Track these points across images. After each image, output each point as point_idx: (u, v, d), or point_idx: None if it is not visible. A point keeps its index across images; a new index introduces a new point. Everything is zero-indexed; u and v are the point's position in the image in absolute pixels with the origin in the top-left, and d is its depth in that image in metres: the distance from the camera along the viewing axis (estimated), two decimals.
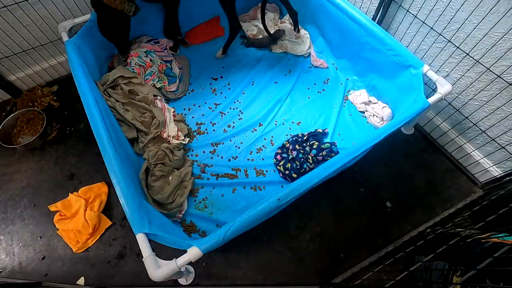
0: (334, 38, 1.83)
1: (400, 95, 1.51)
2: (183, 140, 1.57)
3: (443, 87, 1.29)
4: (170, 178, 1.40)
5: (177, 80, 1.79)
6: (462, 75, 1.37)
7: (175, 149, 1.50)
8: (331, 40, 1.86)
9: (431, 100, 1.27)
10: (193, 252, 0.92)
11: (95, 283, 1.31)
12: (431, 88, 1.46)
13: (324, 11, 1.75)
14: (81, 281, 1.31)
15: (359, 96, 1.72)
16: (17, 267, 1.35)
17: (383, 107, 1.63)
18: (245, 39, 1.97)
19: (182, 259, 0.92)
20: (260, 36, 2.02)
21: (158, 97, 1.67)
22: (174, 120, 1.62)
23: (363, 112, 1.71)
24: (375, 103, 1.68)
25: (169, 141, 1.54)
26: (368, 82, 1.73)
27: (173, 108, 1.69)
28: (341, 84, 1.82)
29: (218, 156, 1.57)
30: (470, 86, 1.36)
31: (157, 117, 1.55)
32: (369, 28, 1.49)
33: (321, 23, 1.86)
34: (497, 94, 1.27)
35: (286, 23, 2.00)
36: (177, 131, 1.57)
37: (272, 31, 2.00)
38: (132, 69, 1.70)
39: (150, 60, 1.76)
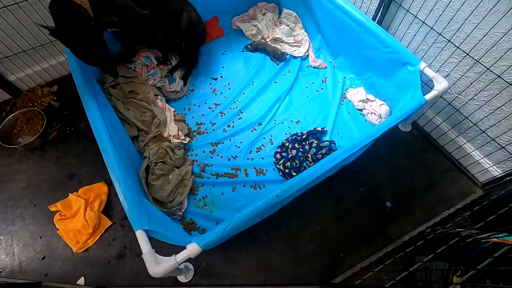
0: (331, 36, 1.83)
1: (397, 92, 1.51)
2: (183, 139, 1.57)
3: (440, 84, 1.30)
4: (170, 177, 1.40)
5: (178, 80, 1.79)
6: (462, 75, 1.37)
7: (175, 148, 1.51)
8: (329, 38, 1.87)
9: (428, 96, 1.27)
10: (192, 249, 0.92)
11: (95, 283, 1.31)
12: (430, 88, 1.45)
13: (321, 8, 1.75)
14: (81, 281, 1.31)
15: (357, 94, 1.72)
16: (17, 267, 1.35)
17: (380, 105, 1.63)
18: (250, 45, 1.97)
19: (181, 255, 0.92)
20: (259, 37, 2.02)
21: (159, 97, 1.68)
22: (175, 120, 1.62)
23: (361, 110, 1.71)
24: (373, 100, 1.69)
25: (170, 140, 1.54)
26: (365, 80, 1.74)
27: (174, 108, 1.69)
28: (339, 82, 1.82)
29: (218, 155, 1.57)
30: (470, 86, 1.36)
31: (158, 116, 1.55)
32: (367, 25, 1.48)
33: (320, 21, 1.86)
34: (497, 94, 1.26)
35: (284, 23, 2.01)
36: (178, 130, 1.58)
37: (271, 31, 2.01)
38: (135, 67, 1.70)
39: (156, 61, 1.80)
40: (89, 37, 1.23)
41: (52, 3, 1.16)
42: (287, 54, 1.92)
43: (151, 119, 1.56)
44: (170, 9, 1.59)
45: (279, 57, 1.88)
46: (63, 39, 1.21)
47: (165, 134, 1.55)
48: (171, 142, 1.53)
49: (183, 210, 1.38)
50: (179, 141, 1.55)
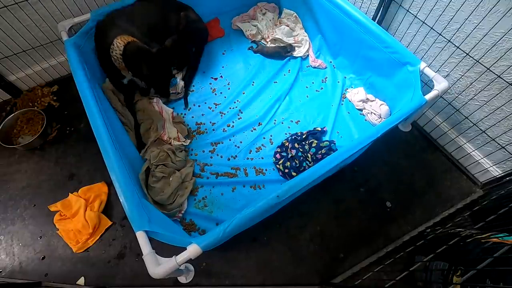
0: (331, 36, 1.83)
1: (397, 92, 1.51)
2: (184, 141, 1.56)
3: (440, 84, 1.30)
4: (170, 179, 1.40)
5: (178, 82, 1.79)
6: (462, 75, 1.37)
7: (177, 151, 1.50)
8: (329, 38, 1.87)
9: (428, 96, 1.27)
10: (193, 249, 0.92)
11: (95, 283, 1.31)
12: (430, 88, 1.45)
13: (322, 8, 1.75)
14: (81, 281, 1.31)
15: (356, 94, 1.72)
16: (17, 267, 1.35)
17: (380, 105, 1.63)
18: (256, 45, 1.97)
19: (182, 256, 0.92)
20: (259, 37, 2.02)
21: (154, 100, 1.66)
22: (173, 122, 1.61)
23: (361, 110, 1.71)
24: (373, 100, 1.69)
25: (170, 143, 1.54)
26: (365, 80, 1.74)
27: (171, 109, 1.67)
28: (339, 82, 1.82)
29: (217, 155, 1.57)
30: (470, 86, 1.36)
31: (155, 120, 1.55)
32: (367, 25, 1.48)
33: (320, 21, 1.86)
34: (497, 94, 1.26)
35: (284, 23, 2.01)
36: (177, 132, 1.57)
37: (271, 31, 2.01)
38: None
39: None
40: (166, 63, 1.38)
41: (128, 53, 1.31)
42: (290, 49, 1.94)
43: (149, 125, 1.56)
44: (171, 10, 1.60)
45: (290, 50, 1.90)
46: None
47: (165, 137, 1.54)
48: (172, 145, 1.53)
49: (183, 212, 1.38)
50: (180, 143, 1.54)
